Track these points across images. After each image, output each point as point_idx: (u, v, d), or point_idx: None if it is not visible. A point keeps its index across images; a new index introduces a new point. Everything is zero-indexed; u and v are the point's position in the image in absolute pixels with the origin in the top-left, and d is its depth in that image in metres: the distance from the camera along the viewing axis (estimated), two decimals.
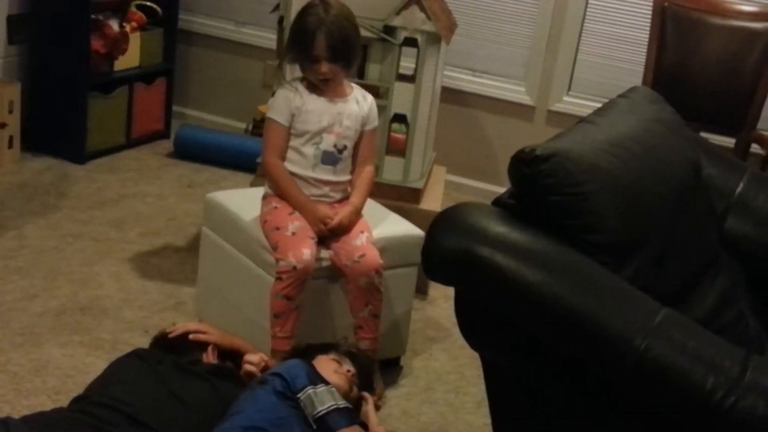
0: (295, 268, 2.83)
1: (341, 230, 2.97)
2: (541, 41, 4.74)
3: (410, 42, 3.65)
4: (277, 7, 3.79)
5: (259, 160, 3.35)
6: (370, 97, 3.13)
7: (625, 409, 2.00)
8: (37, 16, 4.58)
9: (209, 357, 2.72)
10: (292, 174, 3.01)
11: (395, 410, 3.03)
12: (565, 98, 4.78)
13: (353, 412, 2.48)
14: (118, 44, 4.69)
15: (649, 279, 2.20)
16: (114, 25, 4.68)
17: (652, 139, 2.45)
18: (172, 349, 2.70)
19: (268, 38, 4.97)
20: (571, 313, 1.96)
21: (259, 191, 3.13)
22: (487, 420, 2.47)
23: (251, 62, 5.19)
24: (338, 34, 2.92)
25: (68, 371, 2.98)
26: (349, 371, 2.68)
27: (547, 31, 4.72)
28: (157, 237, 4.00)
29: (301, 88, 3.02)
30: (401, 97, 3.72)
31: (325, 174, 3.02)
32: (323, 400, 2.38)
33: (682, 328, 1.99)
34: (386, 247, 3.03)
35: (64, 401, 2.61)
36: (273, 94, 3.17)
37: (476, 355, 2.35)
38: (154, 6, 4.92)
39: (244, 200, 3.21)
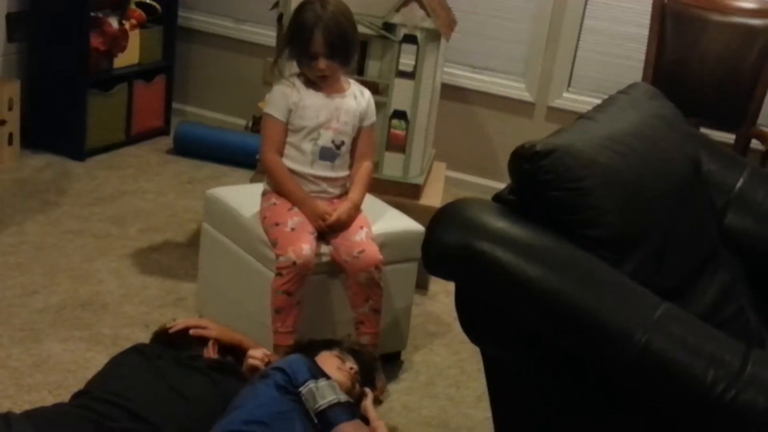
0: (294, 263, 2.83)
1: (340, 226, 2.98)
2: (540, 38, 4.74)
3: (410, 39, 3.65)
4: (276, 4, 3.79)
5: (259, 156, 3.35)
6: (367, 93, 3.13)
7: (624, 403, 2.01)
8: (36, 14, 4.58)
9: (210, 352, 2.73)
10: (290, 170, 3.01)
11: (396, 404, 3.04)
12: (565, 94, 4.78)
13: (354, 407, 2.48)
14: (118, 41, 4.69)
15: (649, 274, 2.20)
16: (113, 22, 4.68)
17: (652, 135, 2.45)
18: (172, 344, 2.71)
19: (267, 35, 4.96)
20: (571, 307, 1.97)
21: (259, 187, 3.14)
22: (488, 414, 2.48)
23: (251, 59, 5.19)
24: (336, 31, 2.92)
25: (69, 366, 2.99)
26: (351, 368, 2.69)
27: (546, 28, 4.72)
28: (157, 233, 4.00)
29: (298, 83, 3.02)
30: (401, 94, 3.72)
31: (323, 170, 3.03)
32: (324, 394, 2.38)
33: (682, 323, 2.00)
34: (386, 243, 3.04)
35: (65, 396, 2.61)
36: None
37: (477, 349, 2.35)
38: (154, 3, 4.91)
39: (244, 196, 3.21)
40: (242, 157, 4.68)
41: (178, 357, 2.59)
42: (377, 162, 3.72)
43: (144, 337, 3.00)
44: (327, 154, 3.01)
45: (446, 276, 2.24)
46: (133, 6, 4.84)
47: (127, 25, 4.75)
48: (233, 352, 2.78)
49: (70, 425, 2.29)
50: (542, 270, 2.01)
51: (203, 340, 2.75)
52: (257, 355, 2.66)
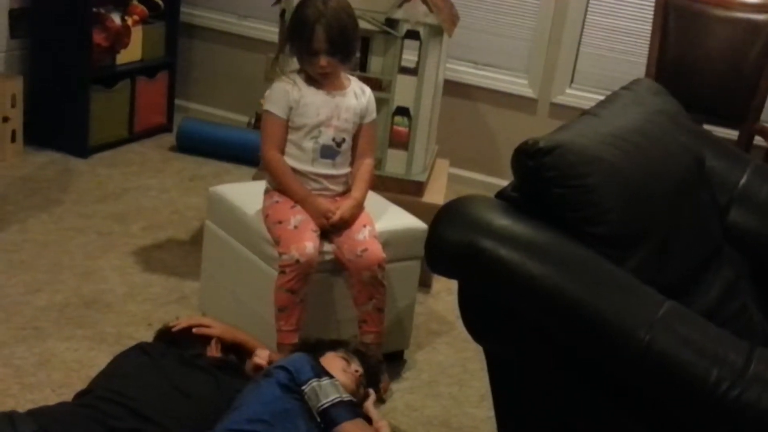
0: (298, 261, 2.83)
1: (343, 224, 2.97)
2: (543, 33, 4.74)
3: (412, 35, 3.65)
4: (279, 1, 3.79)
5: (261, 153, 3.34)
6: (368, 90, 3.12)
7: (628, 401, 2.00)
8: (39, 10, 4.58)
9: (213, 350, 2.73)
10: (292, 169, 3.00)
11: (399, 403, 3.03)
12: (568, 91, 4.77)
13: (357, 406, 2.48)
14: (120, 38, 4.69)
15: (652, 271, 2.20)
16: (116, 18, 4.68)
17: (655, 131, 2.45)
18: (175, 342, 2.71)
19: (270, 31, 4.96)
20: (575, 305, 1.96)
21: (262, 184, 3.13)
22: (491, 413, 2.48)
23: (253, 55, 5.18)
24: (337, 27, 2.91)
25: (72, 365, 2.99)
26: (356, 371, 2.67)
27: (549, 24, 4.71)
28: (160, 231, 4.00)
29: (299, 81, 3.01)
30: (404, 90, 3.71)
31: (324, 168, 3.02)
32: (327, 392, 2.38)
33: (686, 321, 1.99)
34: (389, 241, 3.03)
35: (68, 395, 2.61)
36: None
37: (480, 348, 2.35)
38: None
39: (247, 193, 3.21)
40: (245, 154, 4.68)
41: (182, 355, 2.59)
42: (380, 159, 3.72)
43: (147, 335, 3.00)
44: (328, 152, 3.01)
45: (449, 274, 2.23)
46: (135, 2, 4.83)
47: (129, 21, 4.75)
48: (236, 350, 2.78)
49: (74, 424, 2.29)
50: (545, 267, 2.01)
51: (206, 339, 2.76)
52: (262, 355, 2.66)
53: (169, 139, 5.04)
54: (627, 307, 1.97)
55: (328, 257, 2.95)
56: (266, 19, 5.06)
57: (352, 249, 2.93)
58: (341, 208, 2.97)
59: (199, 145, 4.89)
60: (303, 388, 2.38)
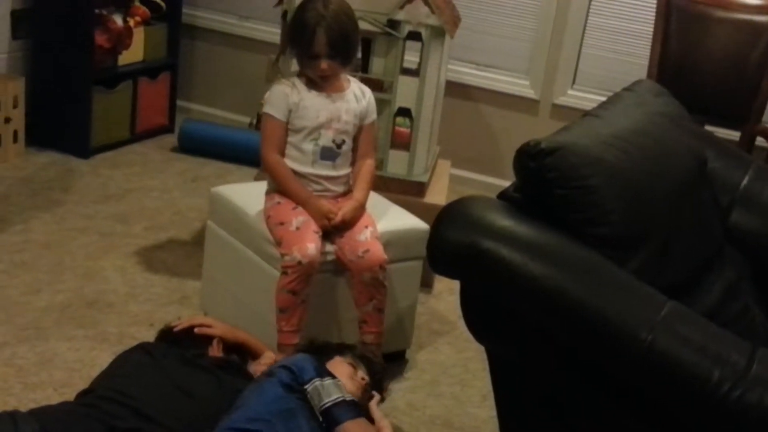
0: (300, 262, 2.83)
1: (345, 225, 2.97)
2: (545, 35, 4.74)
3: (414, 36, 3.65)
4: (280, 2, 3.79)
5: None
6: (368, 91, 3.12)
7: (630, 401, 2.00)
8: (41, 11, 4.58)
9: (214, 350, 2.73)
10: (292, 171, 3.00)
11: (400, 403, 3.04)
12: (570, 92, 4.78)
13: (359, 406, 2.48)
14: (122, 39, 4.69)
15: (654, 272, 2.20)
16: (118, 19, 4.68)
17: (657, 133, 2.45)
18: (177, 342, 2.71)
19: (271, 32, 4.96)
20: (577, 306, 1.97)
21: (264, 185, 3.13)
22: (493, 413, 2.48)
23: (255, 57, 5.18)
24: (338, 31, 2.90)
25: (74, 365, 2.99)
26: (363, 379, 2.65)
27: (551, 25, 4.71)
28: (162, 231, 4.00)
29: (299, 84, 3.00)
30: (405, 91, 3.72)
31: (324, 169, 3.02)
32: (330, 392, 2.38)
33: (687, 322, 2.00)
34: (391, 241, 3.03)
35: (70, 395, 2.61)
36: None
37: (481, 348, 2.35)
38: (158, 0, 4.91)
39: (248, 194, 3.21)
40: (247, 155, 4.68)
41: (183, 355, 2.59)
42: (382, 160, 3.72)
43: (149, 335, 3.00)
44: (328, 154, 3.01)
45: (451, 274, 2.24)
46: (137, 3, 4.84)
47: (131, 23, 4.75)
48: (238, 350, 2.78)
49: (76, 424, 2.29)
50: (547, 268, 2.01)
51: (208, 339, 2.75)
52: (268, 361, 2.66)
53: (171, 139, 5.04)
54: (629, 307, 1.97)
55: (329, 258, 2.96)
56: (268, 21, 5.07)
57: (354, 250, 2.93)
58: (343, 209, 2.97)
59: (201, 145, 4.89)
60: (305, 387, 2.38)
